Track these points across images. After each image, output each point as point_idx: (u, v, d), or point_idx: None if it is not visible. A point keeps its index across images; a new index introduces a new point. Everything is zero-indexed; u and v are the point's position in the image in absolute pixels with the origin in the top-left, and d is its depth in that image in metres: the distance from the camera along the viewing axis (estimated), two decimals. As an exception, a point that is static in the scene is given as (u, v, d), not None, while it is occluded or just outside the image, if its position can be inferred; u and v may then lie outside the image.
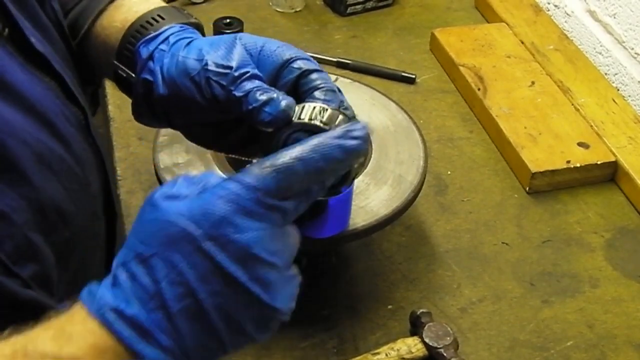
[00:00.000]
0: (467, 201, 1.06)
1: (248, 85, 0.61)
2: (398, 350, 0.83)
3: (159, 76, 0.67)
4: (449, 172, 1.10)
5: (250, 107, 0.61)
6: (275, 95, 0.60)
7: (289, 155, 0.52)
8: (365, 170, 0.90)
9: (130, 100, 0.72)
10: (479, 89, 1.20)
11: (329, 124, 0.60)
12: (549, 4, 1.44)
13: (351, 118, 0.61)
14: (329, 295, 0.91)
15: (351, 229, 0.83)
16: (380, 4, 1.45)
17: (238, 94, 0.61)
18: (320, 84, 0.62)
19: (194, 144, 0.90)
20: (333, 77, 1.04)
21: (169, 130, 0.93)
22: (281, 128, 0.61)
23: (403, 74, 1.27)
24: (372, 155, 0.92)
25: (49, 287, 0.60)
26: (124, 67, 0.72)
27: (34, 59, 0.64)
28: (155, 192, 0.54)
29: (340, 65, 1.28)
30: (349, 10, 1.42)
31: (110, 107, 1.16)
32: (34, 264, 0.58)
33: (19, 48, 0.62)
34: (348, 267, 0.95)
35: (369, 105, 1.00)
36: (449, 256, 0.98)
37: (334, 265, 0.95)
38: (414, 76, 1.27)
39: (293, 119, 0.61)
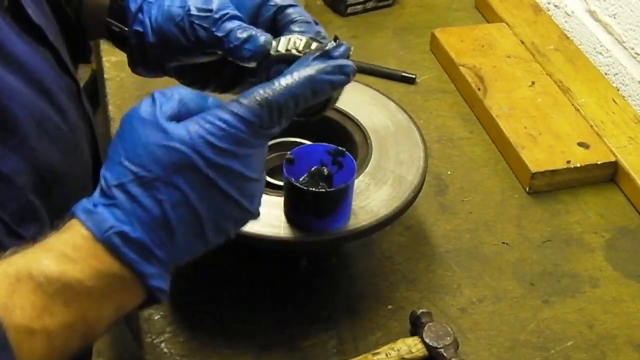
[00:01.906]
0: (467, 201, 1.06)
1: (228, 25, 0.67)
2: (398, 350, 0.83)
3: (148, 26, 0.73)
4: (449, 172, 1.10)
5: (231, 45, 0.67)
6: (253, 32, 0.67)
7: (280, 88, 0.57)
8: (365, 171, 0.90)
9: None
10: (479, 89, 1.20)
11: (303, 51, 0.65)
12: (549, 4, 1.44)
13: (326, 45, 0.65)
14: (329, 295, 0.91)
15: (351, 229, 0.83)
16: (381, 4, 1.45)
17: (219, 34, 0.68)
18: (295, 17, 0.69)
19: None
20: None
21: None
22: (261, 62, 0.67)
23: (403, 74, 1.27)
24: (372, 156, 0.92)
25: None
26: (116, 23, 0.78)
27: (30, 31, 0.66)
28: (138, 110, 0.57)
29: (340, 65, 1.28)
30: (349, 10, 1.42)
31: (110, 107, 1.16)
32: (35, 225, 0.61)
33: (16, 19, 0.64)
34: (348, 267, 0.95)
35: (369, 105, 0.99)
36: (449, 256, 0.98)
37: (334, 265, 0.95)
38: (414, 76, 1.27)
39: (271, 52, 0.66)
